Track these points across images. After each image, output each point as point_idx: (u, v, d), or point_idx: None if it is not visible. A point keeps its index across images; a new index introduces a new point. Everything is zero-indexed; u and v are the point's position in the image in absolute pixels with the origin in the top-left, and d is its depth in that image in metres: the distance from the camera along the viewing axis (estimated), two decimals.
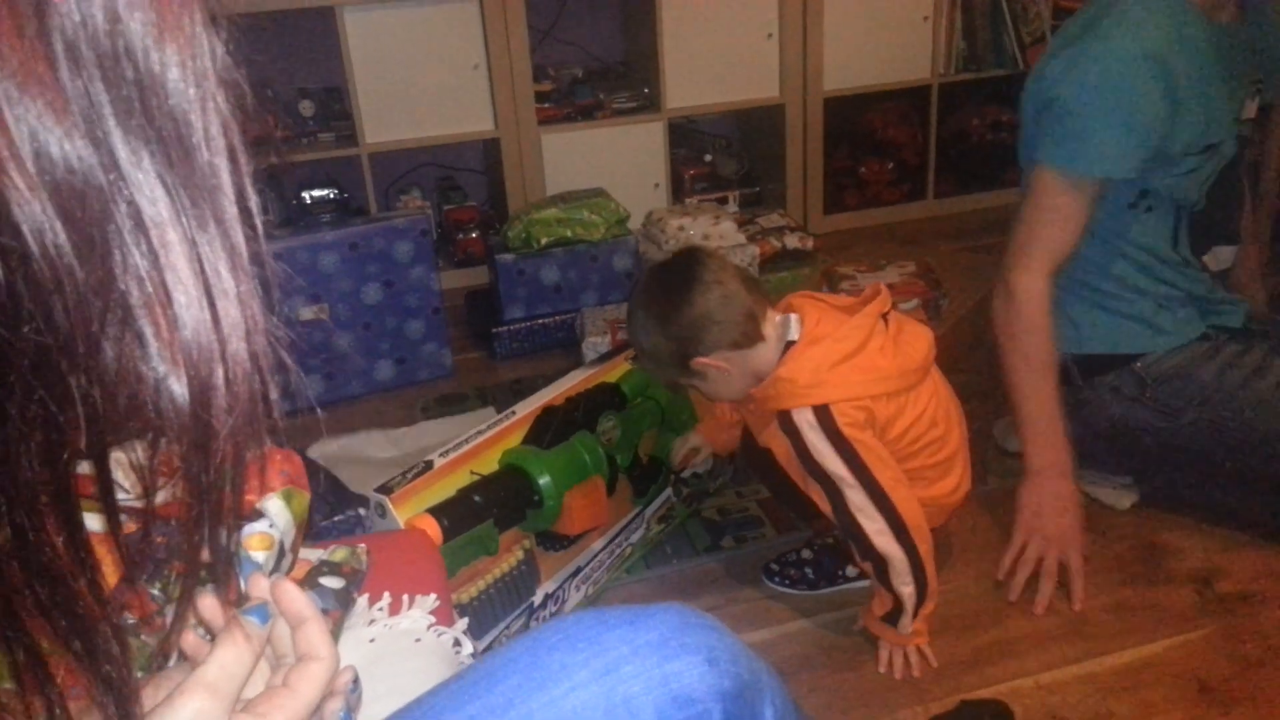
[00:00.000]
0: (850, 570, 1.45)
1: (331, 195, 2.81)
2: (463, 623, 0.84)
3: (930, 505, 1.31)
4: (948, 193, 3.20)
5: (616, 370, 1.60)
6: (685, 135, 3.14)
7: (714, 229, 2.52)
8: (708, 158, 3.10)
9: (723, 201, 2.96)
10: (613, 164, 2.81)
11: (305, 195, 2.81)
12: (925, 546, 1.23)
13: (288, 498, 0.72)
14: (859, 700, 1.25)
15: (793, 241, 2.64)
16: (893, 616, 1.27)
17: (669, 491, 1.59)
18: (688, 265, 1.29)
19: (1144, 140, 1.36)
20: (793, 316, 1.29)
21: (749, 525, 1.61)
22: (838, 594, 1.43)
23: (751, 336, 1.27)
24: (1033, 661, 1.28)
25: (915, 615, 1.26)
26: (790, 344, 1.27)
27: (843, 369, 1.23)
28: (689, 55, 2.81)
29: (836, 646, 1.34)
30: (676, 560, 1.54)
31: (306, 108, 2.78)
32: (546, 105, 2.79)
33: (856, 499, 1.21)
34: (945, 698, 1.23)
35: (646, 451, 1.57)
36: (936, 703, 1.23)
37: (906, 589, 1.24)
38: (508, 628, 1.29)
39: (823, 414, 1.21)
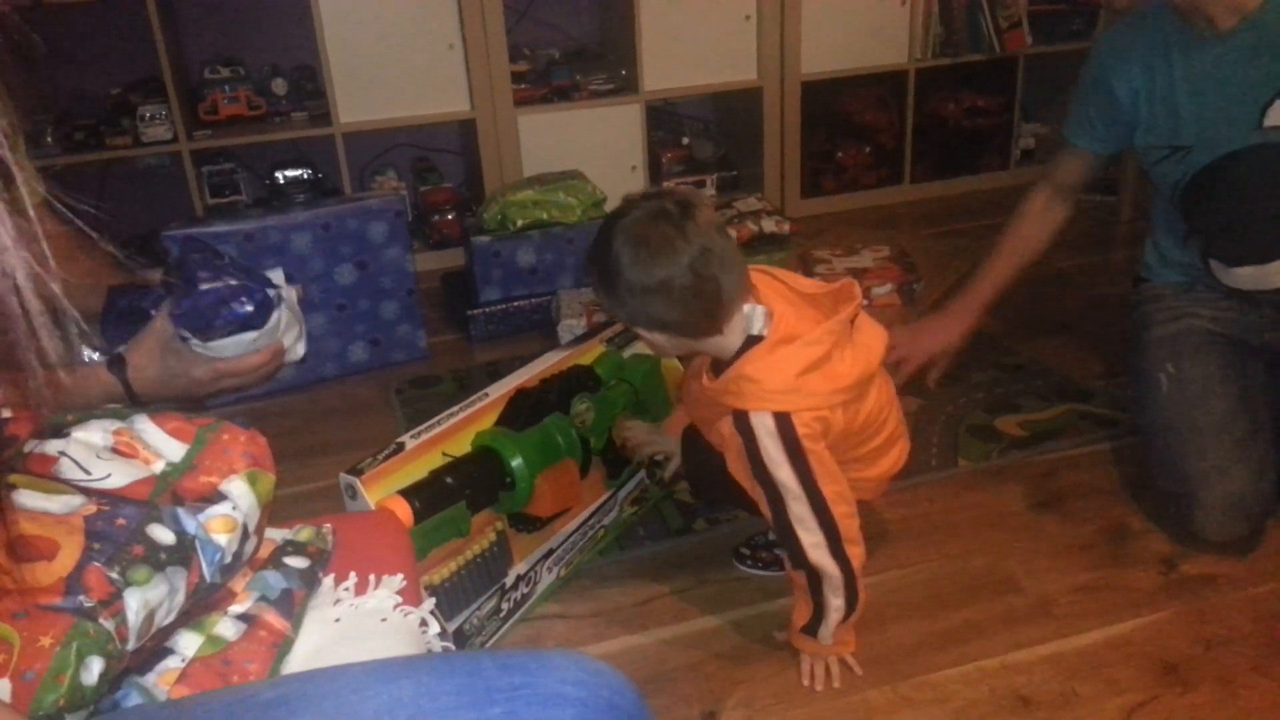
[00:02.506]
0: None
1: (305, 176, 2.78)
2: (429, 602, 0.84)
3: (870, 482, 1.33)
4: (924, 178, 3.21)
5: (591, 353, 1.60)
6: (663, 118, 3.13)
7: None
8: (685, 141, 3.09)
9: (700, 185, 2.96)
10: (589, 146, 2.80)
11: (279, 175, 2.78)
12: (858, 562, 1.20)
13: (252, 480, 0.72)
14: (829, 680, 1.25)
15: (770, 225, 2.64)
16: (812, 627, 1.24)
17: (642, 473, 1.59)
18: (674, 228, 1.12)
19: (1099, 116, 1.61)
20: (759, 309, 1.18)
21: (722, 507, 1.61)
22: None
23: (703, 331, 1.18)
24: (999, 642, 1.30)
25: (839, 627, 1.23)
26: (754, 338, 1.18)
27: (811, 378, 1.16)
28: (667, 37, 2.79)
29: None
30: (649, 542, 1.55)
31: (279, 86, 2.75)
32: (523, 86, 2.77)
33: (799, 510, 1.17)
34: (915, 677, 1.25)
35: None
36: (905, 682, 1.24)
37: (836, 601, 1.20)
38: (479, 609, 1.29)
39: (783, 421, 1.15)
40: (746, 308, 1.18)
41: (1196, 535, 1.41)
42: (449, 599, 1.27)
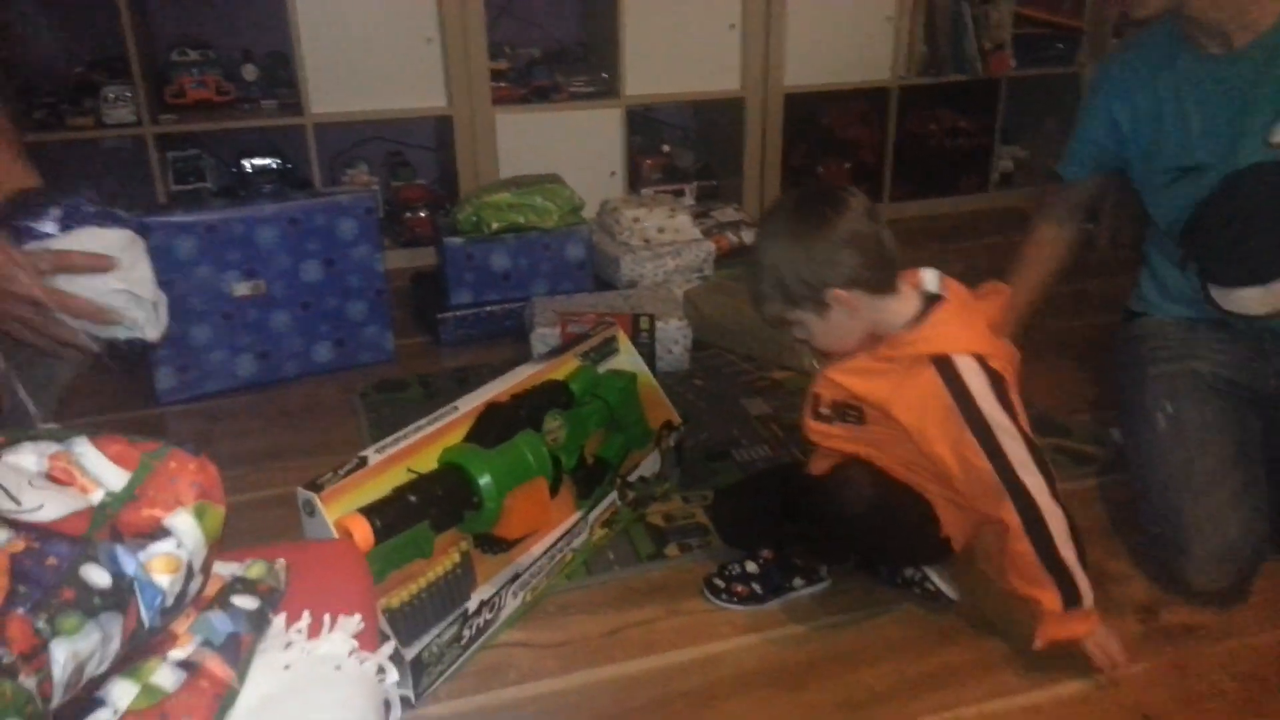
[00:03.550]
0: (798, 582, 1.41)
1: (274, 165, 2.70)
2: (388, 647, 0.77)
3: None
4: (903, 196, 3.19)
5: (565, 367, 1.54)
6: (643, 124, 3.08)
7: (669, 222, 2.47)
8: (665, 148, 3.04)
9: (679, 194, 2.91)
10: (568, 149, 2.74)
11: (246, 164, 2.70)
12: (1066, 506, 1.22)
13: (200, 514, 0.65)
14: None
15: (749, 237, 2.59)
16: (1071, 597, 1.20)
17: (614, 495, 1.53)
18: (838, 194, 1.25)
19: (1102, 147, 1.62)
20: (932, 271, 1.28)
21: (695, 533, 1.56)
22: (785, 607, 1.39)
23: (887, 284, 1.25)
24: (977, 689, 1.26)
25: (1084, 570, 1.20)
26: (933, 299, 1.25)
27: (992, 339, 1.24)
28: (650, 41, 2.74)
29: (783, 664, 1.30)
30: (619, 567, 1.49)
31: (249, 72, 2.66)
32: (502, 85, 2.71)
33: (1019, 453, 1.18)
34: None
35: (592, 452, 1.52)
36: None
37: (1069, 553, 1.19)
38: (439, 635, 1.23)
39: (984, 362, 1.20)
40: (922, 272, 1.28)
41: (1183, 582, 1.38)
42: (407, 624, 1.20)
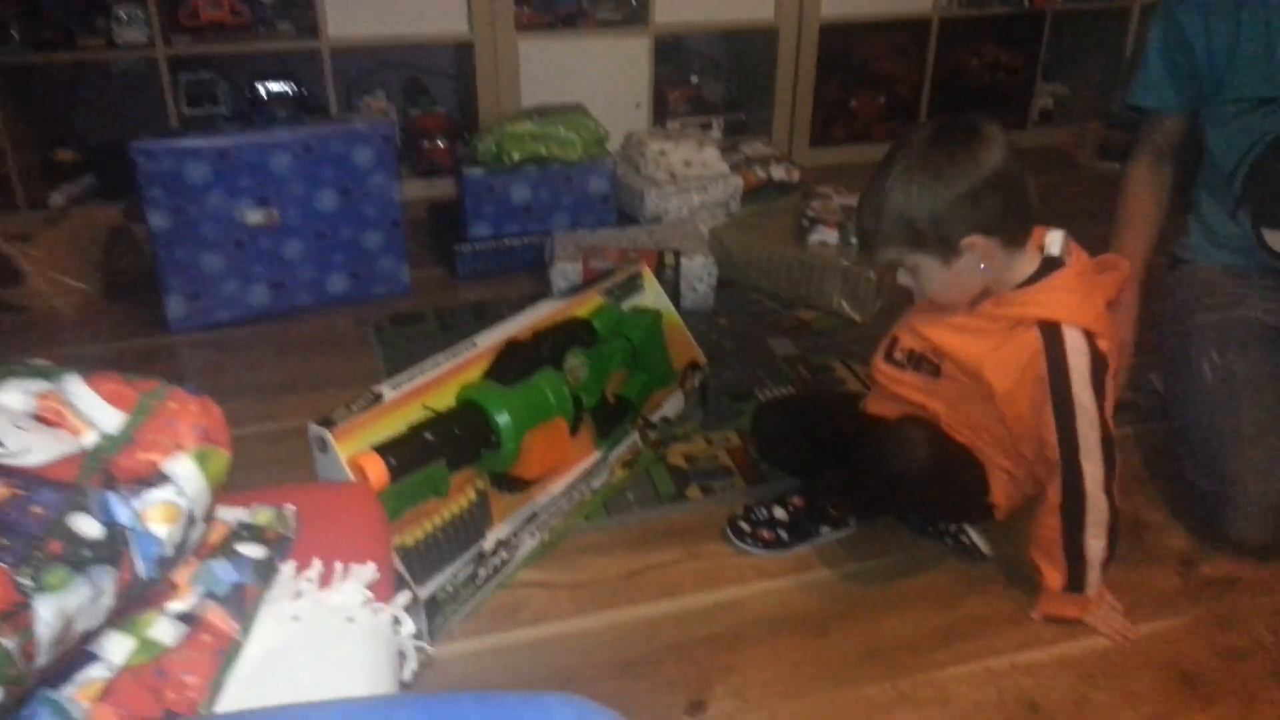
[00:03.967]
0: (824, 529, 1.37)
1: (289, 91, 2.63)
2: (403, 596, 0.74)
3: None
4: None
5: (588, 304, 1.49)
6: (671, 53, 2.97)
7: (696, 156, 2.39)
8: (694, 79, 2.94)
9: (706, 127, 2.82)
10: (593, 78, 2.65)
11: (260, 89, 2.63)
12: (1118, 501, 1.18)
13: (201, 459, 0.61)
14: (824, 671, 1.18)
15: (779, 173, 2.51)
16: (1076, 583, 1.20)
17: (635, 435, 1.49)
18: (981, 127, 1.13)
19: (1175, 73, 1.48)
20: (1060, 233, 1.20)
21: (717, 475, 1.52)
22: (809, 553, 1.36)
23: (1023, 236, 1.17)
24: (1007, 639, 1.22)
25: (1104, 569, 1.20)
26: (1053, 260, 1.18)
27: (1108, 315, 1.18)
28: None
29: (806, 612, 1.26)
30: (639, 508, 1.45)
31: None
32: (526, 10, 2.61)
33: (1090, 439, 1.14)
34: (917, 674, 1.17)
35: (614, 391, 1.48)
36: (907, 679, 1.17)
37: (1098, 543, 1.17)
38: (455, 575, 1.20)
39: (1092, 341, 1.14)
40: (1049, 232, 1.20)
41: (1227, 536, 1.34)
42: (422, 562, 1.18)
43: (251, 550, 0.67)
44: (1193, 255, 1.58)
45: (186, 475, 0.59)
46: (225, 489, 0.66)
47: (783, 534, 1.36)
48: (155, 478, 0.58)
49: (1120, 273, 1.23)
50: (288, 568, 0.71)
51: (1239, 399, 1.37)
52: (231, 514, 0.70)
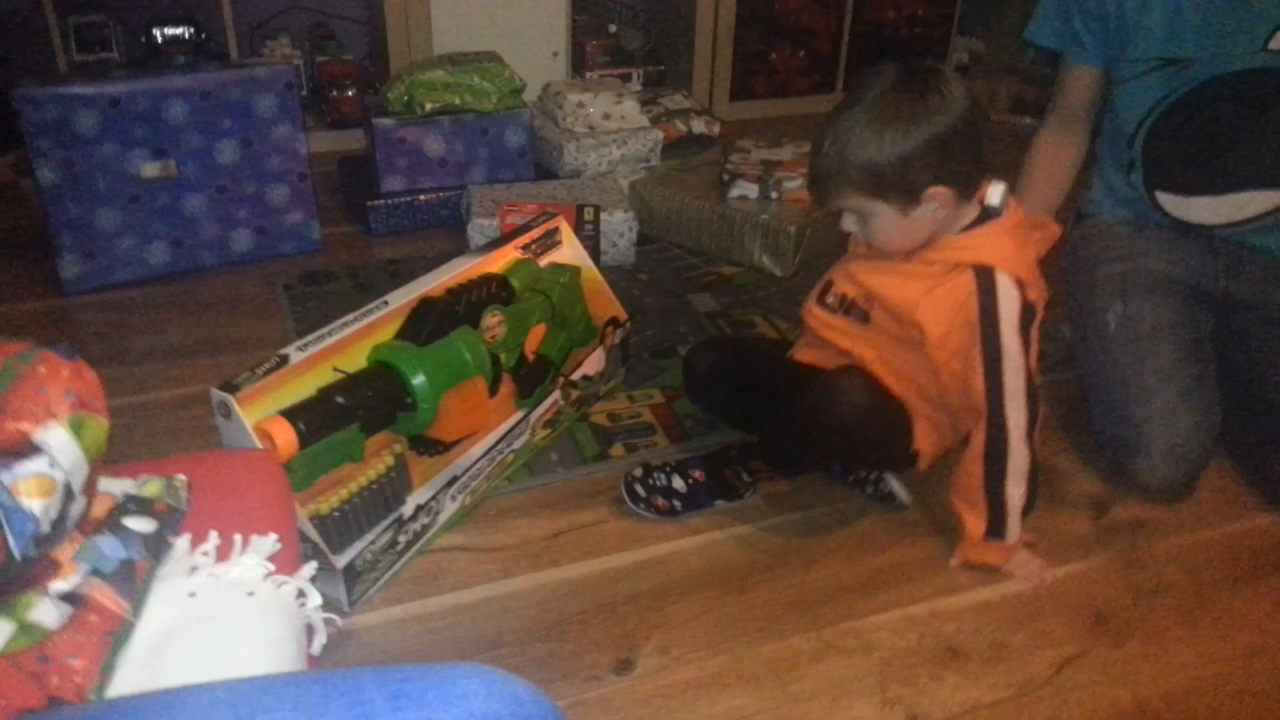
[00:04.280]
0: (720, 503, 1.35)
1: (187, 35, 2.49)
2: (308, 568, 0.70)
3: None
4: None
5: (504, 259, 1.45)
6: (589, 1, 2.90)
7: (615, 108, 2.34)
8: (612, 28, 2.88)
9: (626, 78, 2.76)
10: (509, 25, 2.57)
11: (156, 33, 2.48)
12: (1038, 450, 1.21)
13: (76, 427, 0.56)
14: (749, 625, 1.18)
15: (699, 126, 2.48)
16: (996, 528, 1.21)
17: (556, 394, 1.46)
18: (944, 75, 1.12)
19: (1075, 16, 1.44)
20: (1002, 185, 1.19)
21: (640, 432, 1.51)
22: (734, 507, 1.35)
23: (974, 188, 1.17)
24: (926, 587, 1.24)
25: (1023, 517, 1.21)
26: (990, 211, 1.19)
27: (1036, 273, 1.19)
28: None
29: (730, 567, 1.26)
30: (562, 469, 1.43)
31: None
32: None
33: (1015, 385, 1.15)
34: (840, 624, 1.18)
35: (533, 350, 1.44)
36: (830, 629, 1.17)
37: (1017, 491, 1.19)
38: (374, 542, 1.16)
39: (1022, 288, 1.16)
40: (991, 184, 1.19)
41: (1134, 481, 1.37)
42: (339, 530, 1.14)
43: (140, 524, 0.62)
44: (1095, 209, 1.60)
45: (60, 445, 0.54)
46: (113, 458, 0.62)
47: (676, 504, 1.33)
48: (26, 448, 0.53)
49: (1050, 232, 1.24)
50: (182, 541, 0.67)
51: (1142, 348, 1.40)
52: (118, 486, 0.65)
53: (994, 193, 1.19)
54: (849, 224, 1.21)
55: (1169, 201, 1.47)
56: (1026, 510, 1.22)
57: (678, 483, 1.33)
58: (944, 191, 1.13)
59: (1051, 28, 1.50)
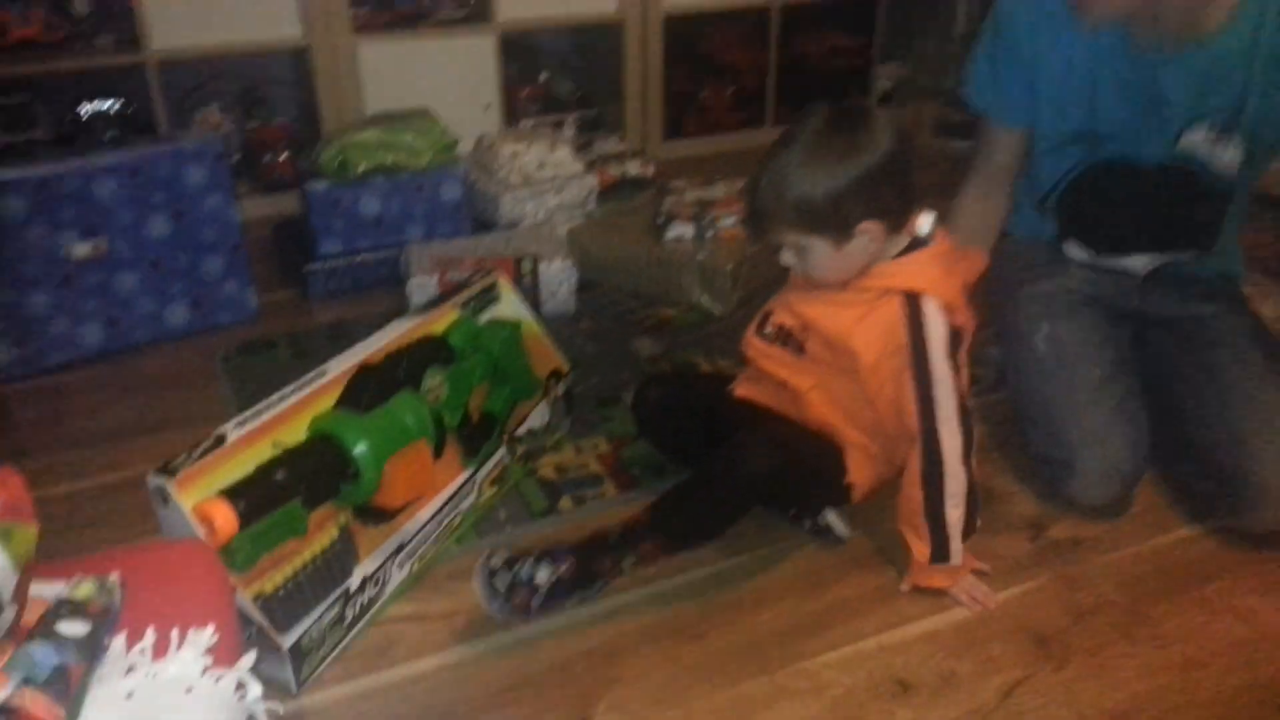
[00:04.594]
0: (575, 597, 1.24)
1: (114, 109, 2.47)
2: (248, 658, 0.70)
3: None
4: (787, 119, 3.12)
5: (443, 320, 1.46)
6: (519, 52, 2.93)
7: (550, 157, 2.36)
8: (543, 77, 2.92)
9: (559, 125, 2.79)
10: (439, 81, 2.60)
11: (82, 109, 2.46)
12: (977, 477, 1.24)
13: (4, 535, 0.56)
14: (703, 673, 1.19)
15: (634, 169, 2.52)
16: (939, 553, 1.24)
17: (503, 450, 1.47)
18: (875, 114, 1.19)
19: (1004, 83, 1.45)
20: (932, 215, 1.24)
21: (588, 483, 1.52)
22: (681, 556, 1.36)
23: (906, 220, 1.22)
24: (873, 620, 1.26)
25: (965, 538, 1.24)
26: (919, 240, 1.23)
27: (964, 300, 1.24)
28: None
29: (683, 613, 1.27)
30: (510, 526, 1.43)
31: (80, 5, 2.41)
32: (363, 11, 2.54)
33: (948, 408, 1.19)
34: (791, 665, 1.19)
35: (477, 407, 1.45)
36: (781, 671, 1.19)
37: (956, 513, 1.22)
38: (320, 618, 1.15)
39: (949, 313, 1.20)
40: (921, 214, 1.24)
41: (1072, 501, 1.41)
42: (284, 609, 1.13)
43: (73, 628, 0.62)
44: (1014, 229, 1.63)
45: None
46: (52, 549, 0.62)
47: (535, 601, 1.21)
48: None
49: (978, 262, 1.29)
50: (118, 641, 0.67)
51: (1071, 369, 1.44)
52: (49, 590, 0.65)
53: (924, 222, 1.24)
54: (787, 258, 1.26)
55: (1076, 251, 1.53)
56: (968, 532, 1.25)
57: (542, 575, 1.19)
58: (875, 226, 1.18)
59: (982, 90, 1.50)
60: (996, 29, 1.45)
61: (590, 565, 1.23)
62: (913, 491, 1.23)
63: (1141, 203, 1.43)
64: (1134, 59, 1.33)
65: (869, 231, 1.18)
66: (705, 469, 1.27)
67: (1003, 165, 1.54)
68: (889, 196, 1.18)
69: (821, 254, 1.21)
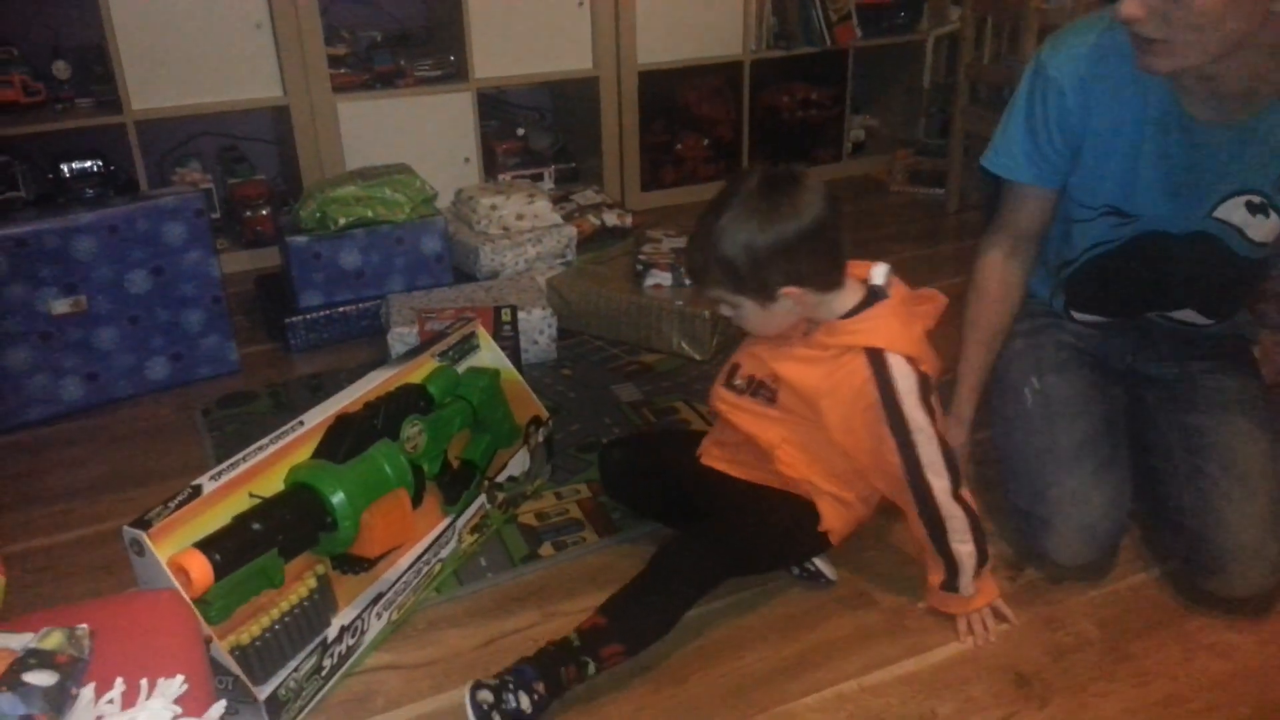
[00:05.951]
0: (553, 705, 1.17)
1: (95, 168, 2.50)
2: (218, 706, 0.70)
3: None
4: None
5: (422, 369, 1.47)
6: (496, 107, 2.99)
7: (528, 208, 2.40)
8: (520, 131, 2.96)
9: (537, 178, 2.84)
10: (418, 137, 2.64)
11: (64, 169, 2.49)
12: (975, 505, 1.26)
13: None
14: (684, 717, 1.18)
15: (612, 219, 2.55)
16: (951, 583, 1.27)
17: (482, 498, 1.47)
18: (802, 182, 1.20)
19: (1056, 152, 1.35)
20: (884, 266, 1.27)
21: (568, 529, 1.52)
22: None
23: (836, 282, 1.24)
24: (855, 662, 1.26)
25: (977, 575, 1.26)
26: (876, 292, 1.25)
27: (925, 346, 1.25)
28: (496, 21, 2.66)
29: (663, 658, 1.26)
30: (491, 574, 1.43)
31: (61, 69, 2.45)
32: (342, 71, 2.58)
33: (930, 453, 1.21)
34: (773, 708, 1.19)
35: (457, 455, 1.45)
36: (764, 714, 1.18)
37: (965, 548, 1.24)
38: (297, 669, 1.14)
39: (914, 364, 1.22)
40: (874, 266, 1.27)
41: (1047, 558, 1.38)
42: (261, 660, 1.12)
43: (40, 678, 0.62)
44: None
45: None
46: (30, 604, 0.62)
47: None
48: None
49: (936, 304, 1.29)
50: (87, 691, 0.66)
51: (1057, 425, 1.41)
52: (17, 641, 0.65)
53: (877, 273, 1.26)
54: (725, 310, 1.29)
55: (1083, 317, 1.51)
56: (980, 564, 1.26)
57: (524, 703, 1.14)
58: (796, 291, 1.21)
59: (1015, 156, 1.38)
60: (1041, 93, 1.33)
61: (555, 675, 1.16)
62: (917, 531, 1.27)
63: (1166, 270, 1.39)
64: (1182, 127, 1.26)
65: (791, 295, 1.22)
66: (660, 566, 1.23)
67: (1031, 227, 1.45)
68: (809, 264, 1.20)
69: (750, 312, 1.26)
